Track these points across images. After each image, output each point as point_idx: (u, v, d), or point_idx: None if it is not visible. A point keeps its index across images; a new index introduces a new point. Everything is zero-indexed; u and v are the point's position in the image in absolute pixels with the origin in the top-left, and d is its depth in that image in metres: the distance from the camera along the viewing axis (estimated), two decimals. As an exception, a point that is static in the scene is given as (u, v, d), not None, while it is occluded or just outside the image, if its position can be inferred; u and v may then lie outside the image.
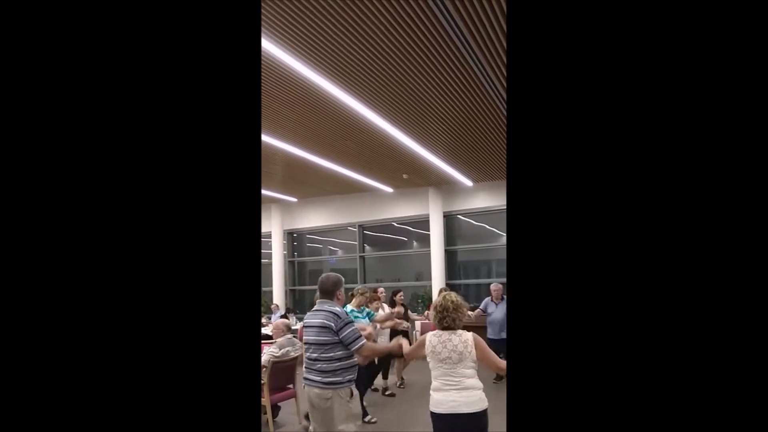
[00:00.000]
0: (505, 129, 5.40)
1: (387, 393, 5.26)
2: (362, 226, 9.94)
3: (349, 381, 2.54)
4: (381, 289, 5.80)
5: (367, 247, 10.10)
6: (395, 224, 9.72)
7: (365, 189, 8.73)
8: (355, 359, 2.57)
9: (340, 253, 10.52)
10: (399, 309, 5.73)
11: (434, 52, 3.63)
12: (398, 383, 5.71)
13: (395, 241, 9.89)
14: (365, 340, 2.55)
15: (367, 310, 4.64)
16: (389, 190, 8.87)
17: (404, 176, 7.74)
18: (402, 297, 6.06)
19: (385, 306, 5.60)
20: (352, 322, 2.56)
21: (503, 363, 2.32)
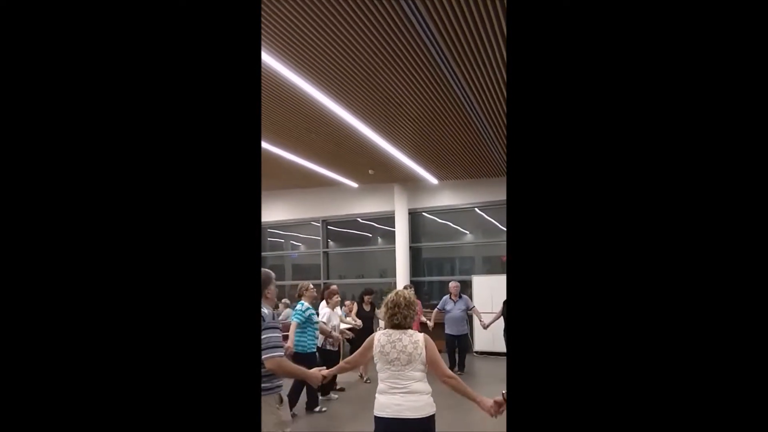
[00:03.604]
0: (470, 130, 5.45)
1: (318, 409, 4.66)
2: (326, 221, 9.78)
3: (278, 387, 2.38)
4: (334, 286, 5.44)
5: (331, 243, 9.96)
6: (360, 220, 9.62)
7: (329, 183, 8.58)
8: None
9: (302, 248, 10.33)
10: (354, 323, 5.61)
11: (404, 50, 3.58)
12: (364, 379, 5.66)
13: (360, 237, 9.79)
14: (280, 353, 2.23)
15: (311, 310, 4.46)
16: (354, 185, 8.75)
17: (370, 172, 7.65)
18: (370, 299, 5.86)
19: (338, 309, 5.39)
20: (277, 327, 2.32)
21: (451, 374, 2.21)
